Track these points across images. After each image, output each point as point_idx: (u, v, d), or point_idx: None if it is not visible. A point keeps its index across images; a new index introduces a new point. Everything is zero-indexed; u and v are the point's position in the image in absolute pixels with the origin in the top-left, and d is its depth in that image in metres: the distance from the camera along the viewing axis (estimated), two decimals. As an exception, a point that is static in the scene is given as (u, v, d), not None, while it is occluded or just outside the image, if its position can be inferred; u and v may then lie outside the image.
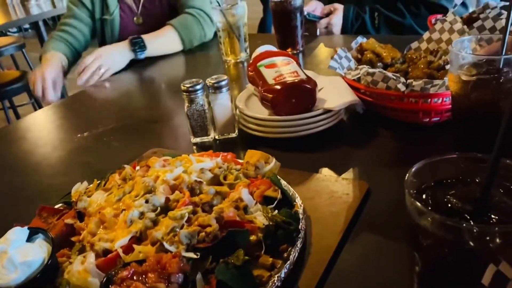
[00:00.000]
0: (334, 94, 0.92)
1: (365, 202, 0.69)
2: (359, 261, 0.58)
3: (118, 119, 1.16)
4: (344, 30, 1.60)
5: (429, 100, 0.82)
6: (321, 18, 1.60)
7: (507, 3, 0.78)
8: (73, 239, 0.64)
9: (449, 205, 0.42)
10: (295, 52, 1.45)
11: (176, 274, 0.50)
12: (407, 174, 0.42)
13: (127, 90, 1.45)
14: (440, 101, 0.82)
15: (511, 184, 0.42)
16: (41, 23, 3.40)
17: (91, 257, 0.57)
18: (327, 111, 0.88)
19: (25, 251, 0.56)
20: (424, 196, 0.43)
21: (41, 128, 1.21)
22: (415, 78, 0.84)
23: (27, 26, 6.82)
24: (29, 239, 0.59)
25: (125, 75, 1.55)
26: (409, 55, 0.95)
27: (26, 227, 0.60)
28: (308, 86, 0.89)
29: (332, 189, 0.72)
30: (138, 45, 1.56)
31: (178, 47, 1.65)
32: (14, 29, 7.04)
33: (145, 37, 1.58)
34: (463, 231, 0.38)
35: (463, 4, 1.49)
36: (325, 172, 0.79)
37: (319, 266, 0.57)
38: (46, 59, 1.61)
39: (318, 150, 0.87)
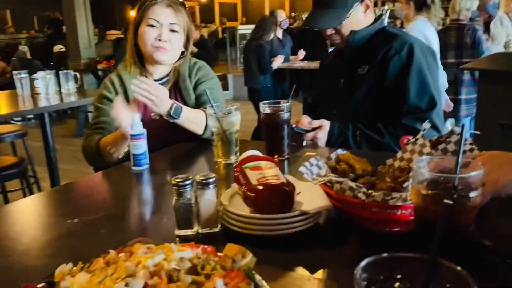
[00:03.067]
0: (311, 199, 1.00)
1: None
2: None
3: (107, 208, 1.22)
4: (328, 144, 1.74)
5: (388, 210, 0.89)
6: (307, 131, 1.73)
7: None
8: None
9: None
10: (281, 159, 1.57)
11: None
12: (357, 268, 0.48)
13: (117, 180, 1.52)
14: (399, 212, 0.88)
15: (447, 282, 0.49)
16: (46, 115, 3.59)
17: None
18: (304, 213, 0.95)
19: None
20: (373, 289, 0.49)
21: (33, 212, 1.26)
22: (379, 189, 0.92)
23: (31, 116, 7.09)
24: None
25: (116, 167, 1.64)
26: (381, 169, 1.05)
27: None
28: (287, 188, 0.98)
29: None
30: (176, 112, 1.64)
31: (200, 131, 1.75)
32: (18, 118, 7.29)
33: (184, 108, 1.68)
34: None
35: (436, 128, 1.64)
36: (299, 270, 0.84)
37: None
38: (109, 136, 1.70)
39: (293, 250, 0.92)
